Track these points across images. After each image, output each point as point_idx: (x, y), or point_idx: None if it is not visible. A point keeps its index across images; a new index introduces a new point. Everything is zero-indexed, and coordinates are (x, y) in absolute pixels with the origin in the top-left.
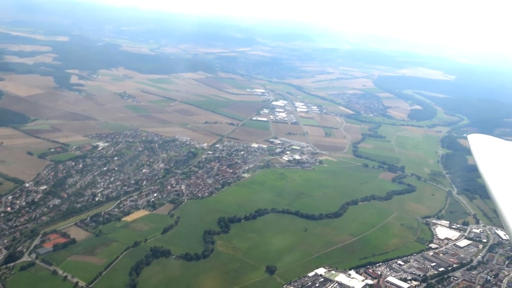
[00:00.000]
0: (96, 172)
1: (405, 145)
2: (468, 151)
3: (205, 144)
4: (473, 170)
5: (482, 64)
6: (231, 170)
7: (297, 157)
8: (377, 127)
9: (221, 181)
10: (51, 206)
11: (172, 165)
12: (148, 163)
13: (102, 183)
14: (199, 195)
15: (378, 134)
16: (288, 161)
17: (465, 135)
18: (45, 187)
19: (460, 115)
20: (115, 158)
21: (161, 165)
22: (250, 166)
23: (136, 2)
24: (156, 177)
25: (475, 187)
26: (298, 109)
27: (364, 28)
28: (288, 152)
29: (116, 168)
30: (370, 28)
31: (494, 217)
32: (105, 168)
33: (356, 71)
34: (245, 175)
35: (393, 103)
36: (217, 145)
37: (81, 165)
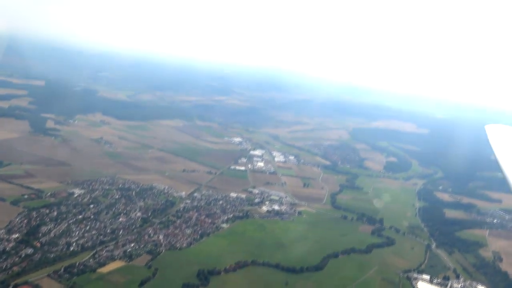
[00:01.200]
0: (71, 220)
1: (382, 197)
2: (445, 204)
3: (183, 192)
4: (451, 223)
5: (454, 117)
6: (210, 220)
7: (276, 207)
8: (354, 178)
9: (199, 232)
10: (23, 255)
11: (149, 214)
12: (125, 211)
13: (77, 232)
14: (178, 245)
15: (356, 186)
16: (267, 211)
17: (440, 188)
18: (17, 235)
19: (435, 168)
20: (91, 205)
21: (139, 214)
22: (229, 216)
23: (114, 48)
24: (133, 226)
25: (454, 241)
26: (276, 159)
27: (340, 76)
28: (267, 203)
29: (92, 217)
30: (345, 77)
31: (474, 271)
32: (80, 216)
33: (331, 122)
34: (224, 225)
35: (369, 155)
36: (195, 194)
37: (55, 213)
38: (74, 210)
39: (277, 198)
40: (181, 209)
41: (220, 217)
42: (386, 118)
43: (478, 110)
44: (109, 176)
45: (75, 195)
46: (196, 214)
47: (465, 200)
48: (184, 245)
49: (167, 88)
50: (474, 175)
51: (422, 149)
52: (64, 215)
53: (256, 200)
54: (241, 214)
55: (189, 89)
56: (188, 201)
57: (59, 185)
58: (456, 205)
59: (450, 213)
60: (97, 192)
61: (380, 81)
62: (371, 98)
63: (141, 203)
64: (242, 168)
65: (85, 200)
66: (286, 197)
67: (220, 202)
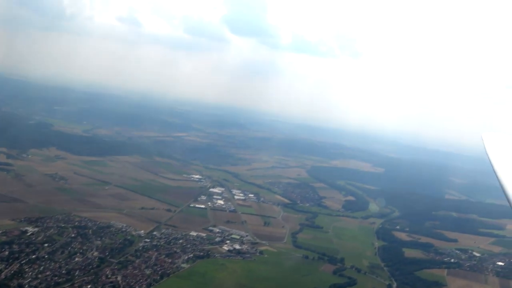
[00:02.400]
0: (24, 261)
1: (342, 236)
2: (403, 244)
3: (142, 231)
4: (411, 263)
5: (407, 157)
6: (170, 260)
7: (237, 246)
8: (314, 217)
9: (159, 272)
10: None
11: (107, 253)
12: (81, 251)
13: (30, 273)
14: (137, 287)
15: (316, 224)
16: (229, 251)
17: (398, 227)
18: None
19: (391, 207)
20: (45, 244)
21: (96, 253)
22: (189, 256)
23: (70, 81)
24: (90, 266)
25: (414, 281)
26: (236, 197)
27: (295, 115)
28: (228, 242)
29: (46, 256)
30: (301, 116)
31: None
32: (34, 256)
33: (290, 160)
34: (185, 265)
35: (328, 194)
36: (154, 233)
37: (7, 252)
38: (27, 250)
39: (238, 237)
40: (140, 248)
41: (180, 257)
42: (343, 157)
43: (430, 151)
44: (64, 213)
45: (28, 233)
46: (155, 253)
47: (423, 239)
48: (144, 286)
49: (125, 123)
50: (430, 215)
51: (378, 188)
52: (16, 255)
53: (217, 239)
54: (202, 253)
55: (147, 124)
56: (148, 240)
57: (11, 222)
58: (414, 245)
59: (409, 253)
60: (51, 230)
61: (334, 120)
62: (327, 137)
63: (98, 242)
64: (202, 206)
65: (39, 238)
66: (247, 236)
67: (180, 241)
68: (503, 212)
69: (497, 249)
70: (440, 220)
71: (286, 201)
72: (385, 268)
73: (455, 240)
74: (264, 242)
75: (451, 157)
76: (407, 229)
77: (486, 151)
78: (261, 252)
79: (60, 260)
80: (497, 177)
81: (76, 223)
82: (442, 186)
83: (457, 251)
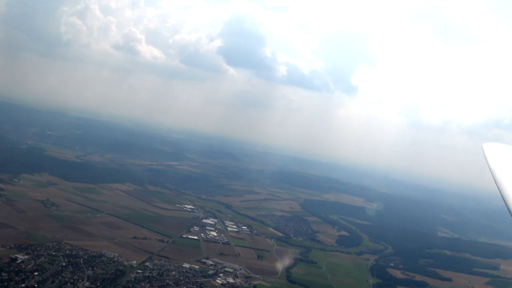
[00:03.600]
0: None
1: (336, 272)
2: (398, 282)
3: (134, 261)
4: None
5: (399, 193)
6: None
7: (231, 280)
8: (308, 252)
9: None
10: None
11: (98, 284)
12: (72, 280)
13: None
14: None
15: (310, 259)
16: (222, 284)
17: (392, 264)
18: None
19: (385, 243)
20: (36, 273)
21: (87, 284)
22: None
23: (63, 106)
24: None
25: None
26: (229, 228)
27: (289, 146)
28: (221, 275)
29: (36, 285)
30: (294, 147)
31: None
32: (23, 285)
33: (283, 193)
34: None
35: (321, 228)
36: (147, 264)
37: None
38: (16, 278)
39: (231, 270)
40: (132, 279)
41: None
42: (335, 191)
43: (420, 187)
44: (55, 241)
45: (18, 261)
46: (148, 285)
47: (417, 277)
48: None
49: (117, 150)
50: (423, 252)
51: (371, 223)
52: (5, 283)
53: (210, 272)
54: (195, 286)
55: (140, 152)
56: (140, 271)
57: (1, 249)
58: (409, 283)
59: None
60: (42, 258)
61: (326, 154)
62: (319, 170)
63: (90, 272)
64: (195, 237)
65: (29, 266)
66: (240, 269)
67: (173, 273)
68: (496, 252)
69: None
70: (433, 258)
71: (280, 234)
72: None
73: (450, 279)
74: (257, 276)
75: (441, 194)
76: (401, 266)
77: (487, 162)
78: (255, 287)
79: None
80: (498, 187)
81: (67, 252)
82: (434, 223)
83: None
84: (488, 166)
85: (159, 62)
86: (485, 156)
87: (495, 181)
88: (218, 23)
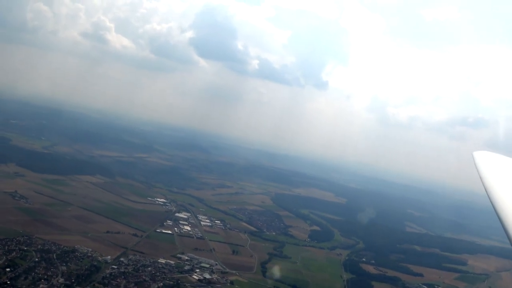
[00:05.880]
0: None
1: (310, 267)
2: (371, 277)
3: (109, 256)
4: None
5: (368, 187)
6: None
7: (207, 276)
8: (282, 247)
9: None
10: None
11: (73, 280)
12: (46, 276)
13: None
14: None
15: (284, 254)
16: (199, 280)
17: (364, 259)
18: None
19: (356, 238)
20: (7, 269)
21: (61, 280)
22: (159, 285)
23: (28, 94)
24: None
25: None
26: (202, 223)
27: (258, 139)
28: (197, 270)
29: (8, 282)
30: (263, 140)
31: None
32: None
33: (253, 186)
34: None
35: (293, 223)
36: (121, 259)
37: None
38: None
39: (207, 265)
40: (108, 275)
41: (150, 286)
42: (305, 185)
43: (387, 182)
44: (26, 235)
45: None
46: (124, 281)
47: (390, 273)
48: None
49: (85, 141)
50: (394, 247)
51: (342, 218)
52: None
53: (186, 267)
54: (171, 282)
55: (108, 143)
56: (115, 267)
57: None
58: (382, 278)
59: (378, 286)
60: (14, 253)
61: (294, 148)
62: (287, 164)
63: (64, 268)
64: (169, 231)
65: (1, 262)
66: (216, 264)
67: (149, 268)
68: (463, 247)
69: (462, 285)
70: (404, 254)
71: (253, 228)
72: None
73: (421, 275)
74: (233, 271)
75: (408, 189)
76: (373, 261)
77: (477, 170)
78: (231, 283)
79: (24, 286)
80: (488, 195)
81: (39, 247)
82: (402, 219)
83: (424, 286)
84: (479, 174)
85: (128, 52)
86: (475, 164)
87: (485, 189)
88: (190, 14)
